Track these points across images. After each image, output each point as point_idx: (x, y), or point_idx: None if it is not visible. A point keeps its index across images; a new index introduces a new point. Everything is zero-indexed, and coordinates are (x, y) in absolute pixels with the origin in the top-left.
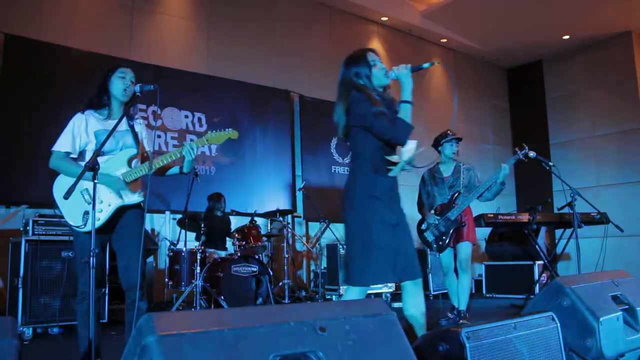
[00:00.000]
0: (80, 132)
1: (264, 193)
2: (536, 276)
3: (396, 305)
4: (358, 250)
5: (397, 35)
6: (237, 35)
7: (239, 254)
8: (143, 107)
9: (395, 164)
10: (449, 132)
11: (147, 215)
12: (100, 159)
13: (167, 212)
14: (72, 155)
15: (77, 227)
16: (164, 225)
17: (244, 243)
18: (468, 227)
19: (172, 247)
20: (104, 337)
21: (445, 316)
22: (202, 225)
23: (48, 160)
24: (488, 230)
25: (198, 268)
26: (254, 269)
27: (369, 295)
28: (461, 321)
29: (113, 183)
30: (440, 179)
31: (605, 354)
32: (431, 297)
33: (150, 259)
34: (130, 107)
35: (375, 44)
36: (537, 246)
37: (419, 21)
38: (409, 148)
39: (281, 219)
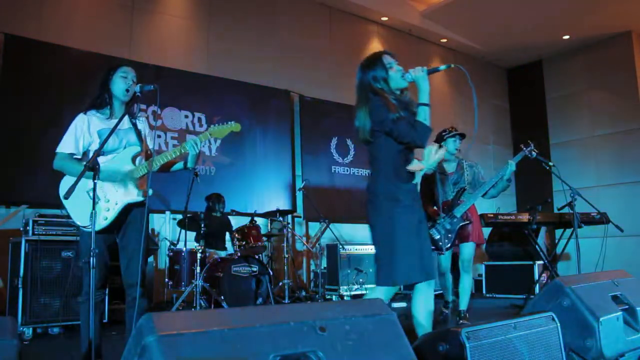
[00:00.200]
0: (82, 132)
1: (264, 193)
2: (536, 276)
3: (396, 305)
4: (386, 252)
5: (397, 35)
6: (237, 35)
7: (239, 254)
8: (143, 107)
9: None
10: (452, 128)
11: None
12: (105, 158)
13: (167, 212)
14: (75, 156)
15: (84, 227)
16: (164, 225)
17: (244, 243)
18: (474, 227)
19: (172, 247)
20: (104, 337)
21: (441, 312)
22: (202, 225)
23: (48, 160)
24: (488, 230)
25: (198, 268)
26: (254, 269)
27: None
28: (461, 321)
29: (121, 179)
30: (444, 176)
31: (605, 354)
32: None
33: (151, 259)
34: (131, 107)
35: (375, 44)
36: (537, 246)
37: (419, 21)
38: (430, 153)
39: (281, 219)
